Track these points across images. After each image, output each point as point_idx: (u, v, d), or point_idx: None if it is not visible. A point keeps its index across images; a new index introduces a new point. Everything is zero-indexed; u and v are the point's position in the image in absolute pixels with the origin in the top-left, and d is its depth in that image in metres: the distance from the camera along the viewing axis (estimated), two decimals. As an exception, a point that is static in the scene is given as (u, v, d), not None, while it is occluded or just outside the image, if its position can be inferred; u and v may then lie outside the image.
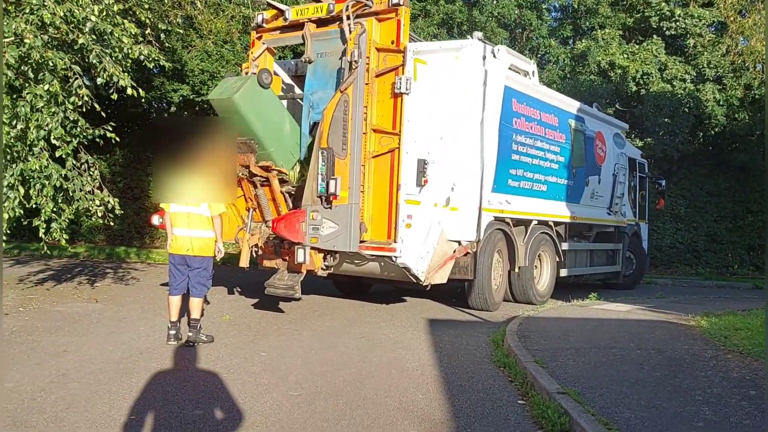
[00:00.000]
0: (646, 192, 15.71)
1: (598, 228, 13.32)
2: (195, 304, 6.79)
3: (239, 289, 10.58)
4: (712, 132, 19.13)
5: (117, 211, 8.77)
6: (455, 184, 8.96)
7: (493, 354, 6.81)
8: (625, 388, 5.13)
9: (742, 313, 9.18)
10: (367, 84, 8.23)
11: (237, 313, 8.71)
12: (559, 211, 11.51)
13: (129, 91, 8.05)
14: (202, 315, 6.94)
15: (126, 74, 8.28)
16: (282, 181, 8.55)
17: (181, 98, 16.81)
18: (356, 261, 8.64)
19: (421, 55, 8.49)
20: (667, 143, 18.45)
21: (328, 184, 7.78)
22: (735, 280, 17.77)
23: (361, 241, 8.22)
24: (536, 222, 10.77)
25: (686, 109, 18.03)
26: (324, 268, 8.35)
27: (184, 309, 6.94)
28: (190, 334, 6.71)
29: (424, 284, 8.66)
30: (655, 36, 18.73)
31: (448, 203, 8.86)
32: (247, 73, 9.10)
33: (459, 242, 9.13)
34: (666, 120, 18.22)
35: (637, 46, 18.74)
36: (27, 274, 12.07)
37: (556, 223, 11.50)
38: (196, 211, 6.74)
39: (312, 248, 7.89)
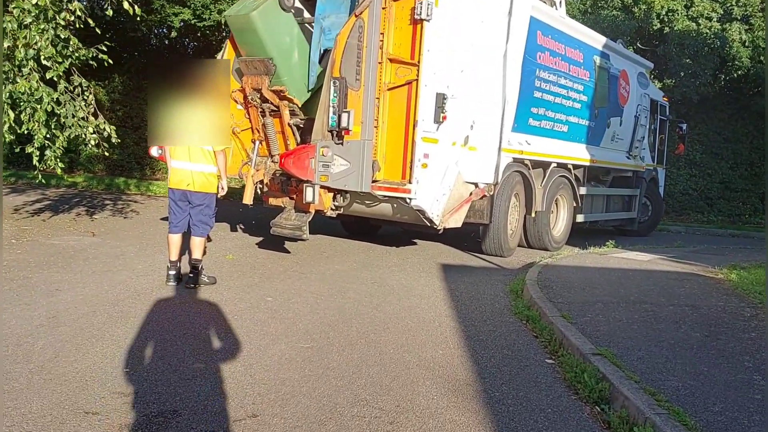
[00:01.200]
0: (665, 136, 15.02)
1: (615, 172, 12.73)
2: (196, 243, 6.29)
3: (242, 227, 10.09)
4: (735, 75, 18.26)
5: (114, 140, 8.15)
6: (475, 122, 8.32)
7: (513, 305, 6.36)
8: (665, 351, 4.68)
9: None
10: (384, 8, 7.47)
11: (241, 252, 8.23)
12: (579, 153, 10.90)
13: (125, 5, 7.29)
14: (204, 254, 6.44)
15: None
16: (292, 114, 7.92)
17: (182, 23, 15.92)
18: (368, 201, 8.10)
19: (444, -22, 7.70)
20: (688, 85, 17.62)
21: (340, 117, 7.15)
22: (749, 229, 17.30)
23: (373, 181, 7.65)
24: (555, 165, 10.18)
25: (710, 49, 17.13)
26: (333, 208, 7.82)
27: (185, 248, 6.46)
28: (191, 275, 6.24)
29: (438, 228, 8.14)
30: (682, -31, 17.62)
31: (466, 142, 8.25)
32: (253, -8, 8.36)
33: (476, 184, 8.57)
34: (688, 60, 17.34)
35: (663, -19, 17.64)
36: (23, 203, 11.57)
37: (575, 166, 10.92)
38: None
39: (321, 187, 7.34)
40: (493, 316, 6.00)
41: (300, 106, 7.91)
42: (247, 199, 8.27)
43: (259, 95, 7.84)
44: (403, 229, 10.23)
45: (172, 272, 6.28)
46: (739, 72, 18.06)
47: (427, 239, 10.28)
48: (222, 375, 4.07)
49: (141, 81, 17.58)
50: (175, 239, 6.31)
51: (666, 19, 17.25)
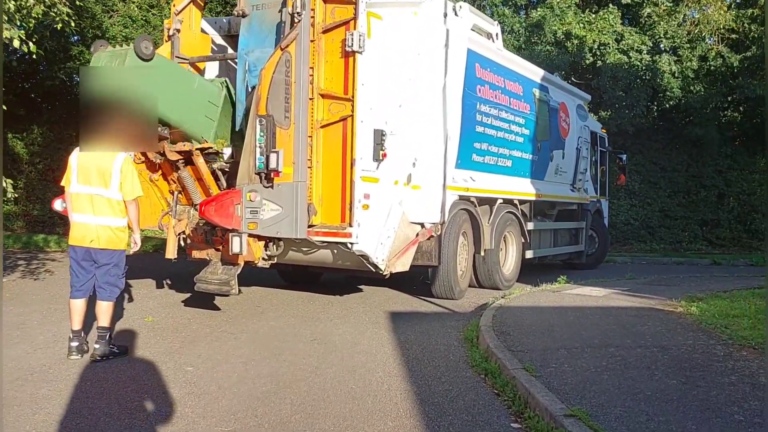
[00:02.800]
0: (606, 167, 14.93)
1: (560, 206, 12.40)
2: (103, 309, 5.42)
3: (169, 282, 9.18)
4: (667, 105, 18.60)
5: (9, 194, 7.22)
6: (417, 159, 7.78)
7: (470, 356, 5.70)
8: (643, 406, 4.09)
9: (725, 295, 8.39)
10: (312, 41, 6.90)
11: (163, 312, 7.33)
12: (524, 188, 10.50)
13: (16, 43, 6.46)
14: (114, 321, 5.56)
15: (16, 29, 6.71)
16: (210, 155, 7.18)
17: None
18: (305, 249, 7.38)
19: (375, 8, 7.18)
20: (623, 117, 17.76)
21: (268, 158, 6.47)
22: (691, 256, 17.33)
23: (309, 226, 6.96)
24: (502, 201, 9.73)
25: (641, 81, 17.37)
26: (266, 258, 7.05)
27: (92, 314, 5.57)
28: (97, 346, 5.35)
29: (384, 273, 7.48)
30: (611, 5, 17.92)
31: (409, 180, 7.68)
32: (169, 30, 7.68)
33: (422, 224, 7.98)
34: (621, 93, 17.51)
35: (593, 15, 17.89)
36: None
37: (521, 202, 10.51)
38: (103, 194, 5.34)
39: (250, 235, 6.59)
40: (448, 371, 5.32)
41: (222, 148, 7.16)
42: (170, 253, 7.42)
43: (163, 158, 7.11)
44: (347, 275, 9.52)
45: (74, 344, 5.37)
46: (671, 102, 18.38)
47: (373, 284, 9.58)
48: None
49: (62, 131, 16.52)
50: (78, 305, 5.42)
51: (598, 53, 17.41)
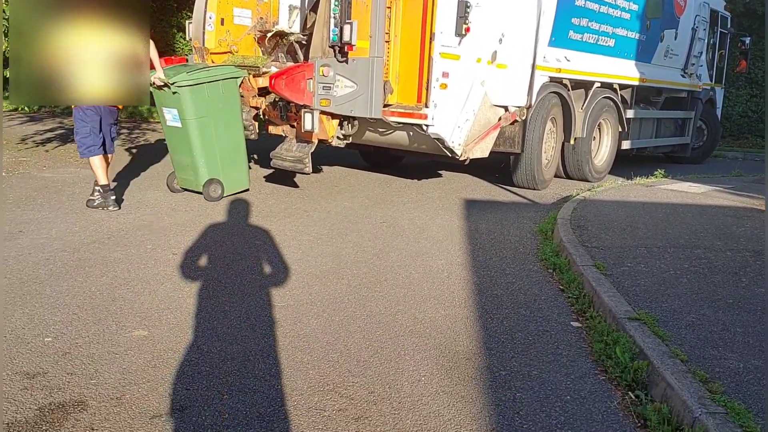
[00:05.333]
0: (726, 51, 13.31)
1: (668, 93, 11.28)
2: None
3: (255, 158, 9.23)
4: None
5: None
6: (504, 35, 7.12)
7: (541, 249, 5.39)
8: (722, 315, 3.69)
9: (844, 199, 7.49)
10: None
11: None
12: (626, 71, 9.53)
13: None
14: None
15: None
16: (281, 35, 6.92)
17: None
18: (380, 129, 7.10)
19: None
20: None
21: (342, 30, 6.08)
22: None
23: (385, 105, 6.65)
24: (599, 84, 8.89)
25: None
26: (340, 137, 6.85)
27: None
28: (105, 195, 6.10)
29: (461, 159, 7.13)
30: None
31: (494, 58, 7.09)
32: None
33: (506, 108, 7.46)
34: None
35: None
36: (34, 132, 10.95)
37: (622, 87, 9.59)
38: None
39: (323, 113, 6.36)
40: (515, 263, 5.06)
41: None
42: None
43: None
44: (428, 160, 9.23)
45: (113, 197, 6.10)
46: None
47: (454, 170, 9.27)
48: (160, 348, 3.29)
49: (164, 3, 16.54)
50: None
51: None
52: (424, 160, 9.37)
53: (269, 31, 7.31)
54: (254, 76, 6.96)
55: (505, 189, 8.18)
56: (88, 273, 4.29)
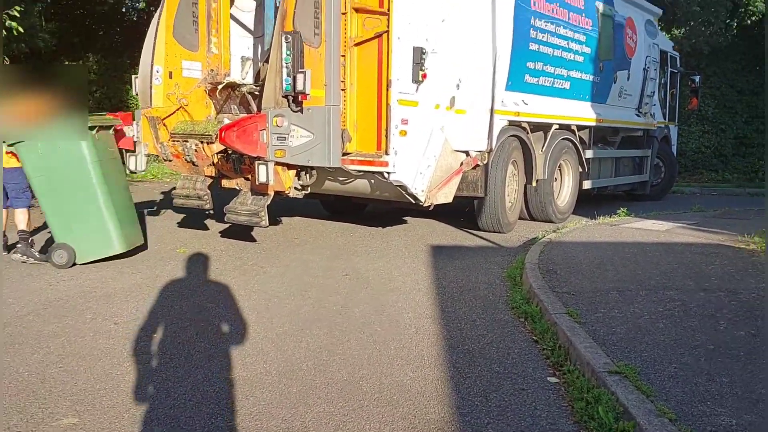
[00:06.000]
0: (677, 90, 13.58)
1: (624, 132, 11.36)
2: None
3: (211, 212, 8.86)
4: (749, 21, 16.77)
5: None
6: (461, 80, 7.03)
7: (511, 297, 5.14)
8: (704, 363, 3.45)
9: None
10: (344, -52, 6.16)
11: (197, 243, 7.01)
12: (583, 112, 9.55)
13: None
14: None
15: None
16: (233, 87, 6.74)
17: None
18: (340, 178, 6.86)
19: None
20: (698, 35, 16.10)
21: (295, 79, 5.87)
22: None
23: (344, 154, 6.43)
24: (557, 126, 8.86)
25: None
26: (298, 188, 6.57)
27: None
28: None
29: (425, 205, 6.92)
30: None
31: (452, 104, 6.97)
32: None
33: (467, 153, 7.32)
34: (697, 8, 15.81)
35: None
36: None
37: (580, 128, 9.59)
38: None
39: (278, 163, 6.09)
40: (485, 313, 4.78)
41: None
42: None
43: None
44: (392, 207, 8.99)
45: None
46: (753, 18, 16.57)
47: (419, 216, 9.03)
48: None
49: (117, 59, 16.31)
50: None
51: (673, -37, 15.67)
52: (388, 207, 9.13)
53: (220, 83, 7.08)
54: (207, 144, 6.70)
55: (471, 233, 7.96)
56: (18, 351, 3.86)
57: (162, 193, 10.90)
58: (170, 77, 7.18)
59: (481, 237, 7.80)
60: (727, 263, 5.78)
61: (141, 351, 3.90)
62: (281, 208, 8.89)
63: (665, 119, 13.00)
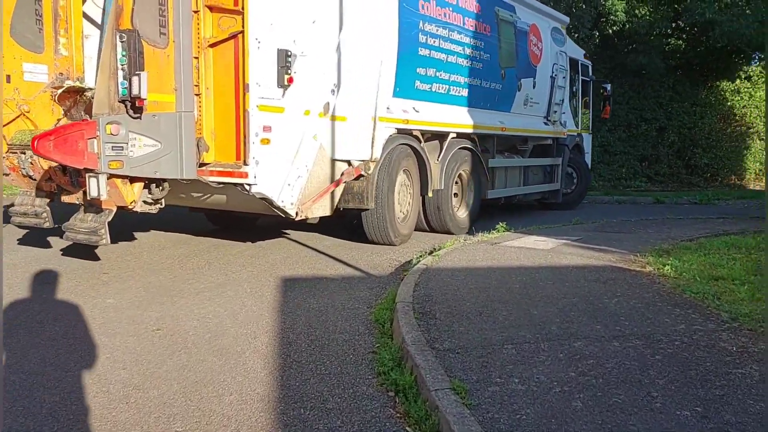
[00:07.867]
0: (590, 98, 13.24)
1: (534, 141, 10.85)
2: None
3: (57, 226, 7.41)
4: (611, 30, 17.03)
5: None
6: (338, 86, 6.23)
7: (378, 355, 3.93)
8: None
9: (692, 245, 6.97)
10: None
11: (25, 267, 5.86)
12: (484, 120, 8.88)
13: None
14: None
15: None
16: (79, 92, 5.77)
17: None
18: (196, 192, 5.97)
19: None
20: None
21: (131, 82, 4.95)
22: (632, 194, 16.15)
23: (201, 164, 5.55)
24: (455, 135, 8.18)
25: (585, 4, 15.67)
26: (150, 201, 5.62)
27: None
28: None
29: (297, 219, 6.12)
30: None
31: (327, 110, 6.16)
32: None
33: (349, 162, 6.55)
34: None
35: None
36: None
37: (482, 136, 8.96)
38: None
39: (115, 176, 5.14)
40: (342, 387, 3.46)
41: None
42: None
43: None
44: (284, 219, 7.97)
45: None
46: (615, 27, 16.83)
47: (303, 229, 8.13)
48: None
49: None
50: None
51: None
52: (282, 219, 7.97)
53: (61, 87, 6.08)
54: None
55: (334, 259, 6.70)
56: None
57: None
58: (8, 81, 6.16)
59: (345, 262, 6.55)
60: (630, 294, 4.97)
61: None
62: (164, 222, 7.97)
63: (577, 127, 12.63)
